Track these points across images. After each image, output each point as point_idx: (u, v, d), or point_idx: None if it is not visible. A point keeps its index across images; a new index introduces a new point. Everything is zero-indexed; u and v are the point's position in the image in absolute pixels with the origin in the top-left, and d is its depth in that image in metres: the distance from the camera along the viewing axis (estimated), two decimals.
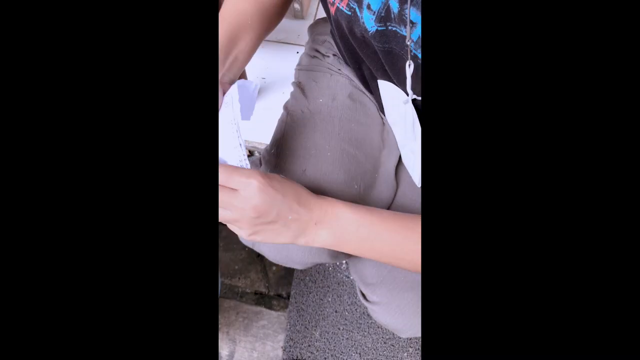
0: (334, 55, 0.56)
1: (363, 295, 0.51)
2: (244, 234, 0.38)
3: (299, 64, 0.61)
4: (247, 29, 0.46)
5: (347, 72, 0.55)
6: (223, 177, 0.35)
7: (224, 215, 0.36)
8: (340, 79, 0.54)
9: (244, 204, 0.35)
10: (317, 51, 0.58)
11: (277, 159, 0.50)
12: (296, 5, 1.03)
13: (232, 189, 0.35)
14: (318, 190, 0.45)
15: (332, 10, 0.45)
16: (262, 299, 0.80)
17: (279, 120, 0.55)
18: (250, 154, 0.93)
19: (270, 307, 0.79)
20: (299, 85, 0.57)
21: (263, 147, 0.93)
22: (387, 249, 0.39)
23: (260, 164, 0.53)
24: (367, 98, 0.54)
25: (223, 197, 0.35)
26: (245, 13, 0.46)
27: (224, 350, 0.75)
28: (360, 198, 0.48)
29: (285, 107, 0.55)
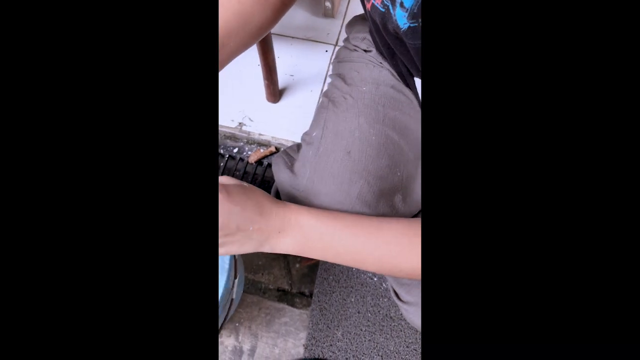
0: (375, 50, 0.55)
1: (396, 294, 0.50)
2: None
3: (337, 58, 0.60)
4: (227, 39, 0.45)
5: (388, 66, 0.54)
6: None
7: None
8: (382, 71, 0.54)
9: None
10: (358, 46, 0.57)
11: (320, 140, 0.49)
12: (327, 4, 1.02)
13: None
14: (363, 173, 0.45)
15: (368, 6, 0.44)
16: (285, 296, 0.80)
17: (319, 107, 0.55)
18: (276, 150, 0.93)
19: (292, 305, 0.79)
20: (339, 75, 0.56)
21: (289, 144, 0.93)
22: (352, 255, 0.39)
23: (298, 150, 0.53)
24: (408, 91, 0.53)
25: None
26: (228, 23, 0.44)
27: (245, 344, 0.76)
28: (402, 186, 0.48)
29: (326, 95, 0.55)
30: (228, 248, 0.38)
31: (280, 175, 0.50)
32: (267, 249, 0.39)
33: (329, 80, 0.59)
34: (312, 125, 0.53)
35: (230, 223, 0.36)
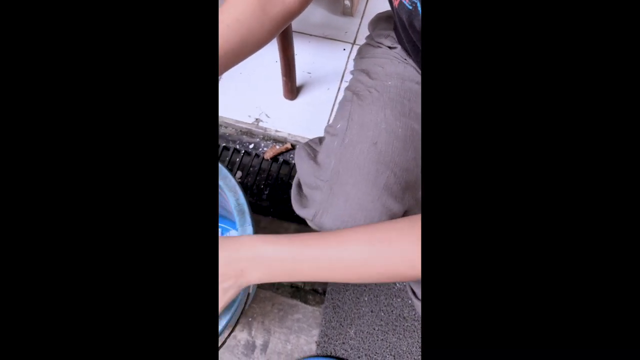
0: (400, 47, 0.55)
1: (413, 292, 0.50)
2: None
3: (359, 54, 0.60)
4: (222, 57, 0.44)
5: (413, 63, 0.54)
6: None
7: None
8: (407, 67, 0.54)
9: None
10: (382, 43, 0.57)
11: (345, 131, 0.49)
12: (346, 2, 1.02)
13: None
14: (390, 164, 0.45)
15: (396, 3, 0.44)
16: (298, 293, 0.80)
17: (343, 101, 0.55)
18: (292, 147, 0.93)
19: (305, 302, 0.79)
20: (362, 70, 0.56)
21: (305, 141, 0.93)
22: (319, 272, 0.39)
23: (320, 143, 0.53)
24: None
25: None
26: (226, 43, 0.44)
27: (258, 339, 0.76)
28: None
29: (349, 89, 0.55)
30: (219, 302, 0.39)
31: (303, 166, 0.50)
32: (243, 286, 0.39)
33: (350, 76, 0.59)
34: (335, 118, 0.53)
35: None
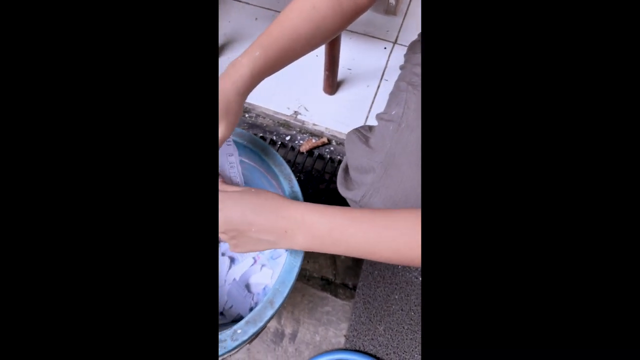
0: None
1: None
2: (233, 249, 0.42)
3: (412, 50, 0.61)
4: (295, 44, 0.46)
5: None
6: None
7: None
8: None
9: (220, 221, 0.40)
10: None
11: (401, 117, 0.51)
12: (390, 0, 1.02)
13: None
14: None
15: None
16: (329, 286, 0.81)
17: (396, 91, 0.57)
18: (328, 142, 0.94)
19: (335, 295, 0.80)
20: (417, 64, 0.57)
21: (342, 136, 0.94)
22: (365, 247, 0.40)
23: (370, 130, 0.53)
24: None
25: None
26: (299, 28, 0.46)
27: (287, 328, 0.77)
28: None
29: (404, 81, 0.56)
30: (244, 247, 0.41)
31: (355, 149, 0.52)
32: (282, 246, 0.41)
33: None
34: (388, 106, 0.55)
35: (229, 226, 0.40)
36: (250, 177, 0.66)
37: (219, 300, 0.75)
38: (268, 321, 0.44)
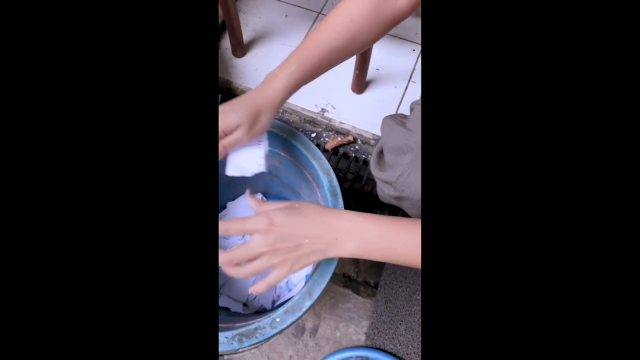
0: None
1: None
2: (284, 271, 0.41)
3: None
4: (331, 55, 0.47)
5: None
6: (235, 228, 0.42)
7: (260, 267, 0.41)
8: None
9: (266, 243, 0.40)
10: None
11: None
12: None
13: (251, 233, 0.41)
14: None
15: None
16: (350, 283, 0.81)
17: None
18: (354, 140, 0.94)
19: (357, 292, 0.80)
20: None
21: (368, 135, 0.94)
22: (411, 258, 0.40)
23: (405, 117, 0.55)
24: None
25: (244, 250, 0.41)
26: (335, 41, 0.47)
27: (308, 322, 0.78)
28: None
29: None
30: (298, 264, 0.41)
31: (392, 132, 0.52)
32: (331, 254, 0.41)
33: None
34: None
35: (284, 244, 0.40)
36: (283, 170, 0.67)
37: (243, 292, 0.76)
38: (305, 312, 0.45)
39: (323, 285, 0.46)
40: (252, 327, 0.44)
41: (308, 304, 0.45)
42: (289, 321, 0.44)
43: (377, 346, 0.74)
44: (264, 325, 0.44)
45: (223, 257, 0.41)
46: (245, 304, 0.75)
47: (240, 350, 0.75)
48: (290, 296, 0.75)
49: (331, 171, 0.53)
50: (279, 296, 0.76)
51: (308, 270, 0.77)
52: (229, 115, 0.44)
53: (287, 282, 0.78)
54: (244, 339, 0.43)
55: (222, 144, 0.45)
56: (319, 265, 0.48)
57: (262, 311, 0.75)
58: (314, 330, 0.77)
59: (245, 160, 0.48)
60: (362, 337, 0.76)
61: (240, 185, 0.78)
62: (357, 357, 0.73)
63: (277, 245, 0.40)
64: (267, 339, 0.44)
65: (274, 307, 0.75)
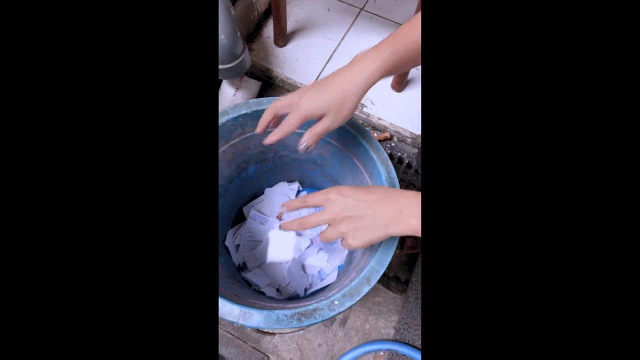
0: None
1: None
2: (351, 241, 0.43)
3: None
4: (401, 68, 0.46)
5: None
6: (312, 199, 0.45)
7: (330, 235, 0.44)
8: None
9: (333, 212, 0.43)
10: None
11: None
12: None
13: (322, 203, 0.44)
14: None
15: None
16: (381, 277, 0.82)
17: None
18: (390, 137, 0.95)
19: (388, 287, 0.81)
20: None
21: (406, 133, 0.95)
22: None
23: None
24: None
25: (316, 218, 0.44)
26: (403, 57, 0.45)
27: None
28: None
29: None
30: (361, 236, 0.42)
31: None
32: (395, 231, 0.42)
33: None
34: None
35: (349, 212, 0.42)
36: (330, 160, 0.68)
37: (279, 277, 0.77)
38: (362, 296, 0.46)
39: (381, 272, 0.47)
40: (311, 307, 0.45)
41: (366, 289, 0.46)
42: (347, 305, 0.45)
43: (406, 341, 0.75)
44: (323, 307, 0.45)
45: (297, 223, 0.45)
46: (278, 290, 0.76)
47: (299, 328, 0.76)
48: (322, 285, 0.76)
49: (389, 162, 0.54)
50: (311, 284, 0.77)
51: (341, 261, 0.77)
52: (314, 100, 0.43)
53: (319, 272, 0.78)
54: (302, 318, 0.44)
55: (315, 131, 0.44)
56: (376, 253, 0.49)
57: (294, 297, 0.76)
58: (344, 321, 0.78)
59: (283, 249, 0.65)
60: (391, 331, 0.76)
61: (281, 171, 0.79)
62: (386, 349, 0.74)
63: (343, 213, 0.42)
64: (324, 320, 0.45)
65: (306, 295, 0.75)
